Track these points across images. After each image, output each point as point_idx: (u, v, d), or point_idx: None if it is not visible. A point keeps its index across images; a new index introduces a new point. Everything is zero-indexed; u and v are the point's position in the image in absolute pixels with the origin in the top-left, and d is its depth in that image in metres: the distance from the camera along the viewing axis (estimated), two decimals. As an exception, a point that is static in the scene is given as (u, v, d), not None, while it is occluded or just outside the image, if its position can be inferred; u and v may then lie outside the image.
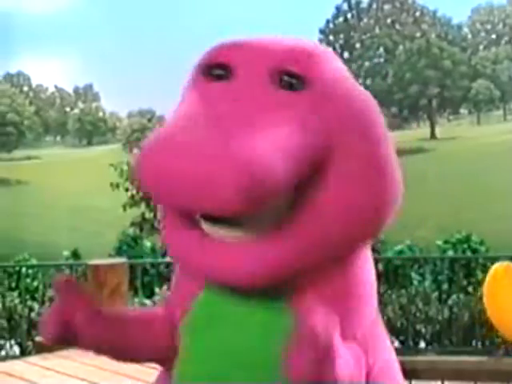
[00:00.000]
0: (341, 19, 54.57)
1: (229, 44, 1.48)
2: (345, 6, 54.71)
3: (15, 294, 8.50)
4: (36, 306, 7.92)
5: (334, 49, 55.41)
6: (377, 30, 53.28)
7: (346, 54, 54.71)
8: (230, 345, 1.47)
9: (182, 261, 1.51)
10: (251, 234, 1.38)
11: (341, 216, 1.41)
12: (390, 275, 8.37)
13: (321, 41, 56.03)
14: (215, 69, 1.45)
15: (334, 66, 1.51)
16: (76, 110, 59.78)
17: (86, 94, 62.81)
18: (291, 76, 1.41)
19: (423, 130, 47.95)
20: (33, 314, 7.65)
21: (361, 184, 1.41)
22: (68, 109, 61.04)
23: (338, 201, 1.40)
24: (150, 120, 52.58)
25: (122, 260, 4.93)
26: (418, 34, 50.82)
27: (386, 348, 1.63)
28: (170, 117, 1.43)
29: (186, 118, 1.35)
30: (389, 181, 1.46)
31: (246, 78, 1.41)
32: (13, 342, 7.48)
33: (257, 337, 1.46)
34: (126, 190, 17.21)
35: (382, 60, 52.64)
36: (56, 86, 62.66)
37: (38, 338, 4.56)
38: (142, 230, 16.79)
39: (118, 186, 17.18)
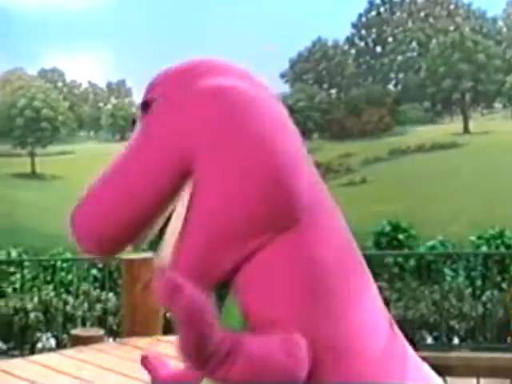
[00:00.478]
0: (373, 13, 54.13)
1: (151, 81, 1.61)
2: (377, 0, 54.28)
3: (51, 287, 8.62)
4: (71, 299, 8.02)
5: (367, 43, 55.05)
6: (410, 24, 52.76)
7: (378, 49, 54.31)
8: None
9: None
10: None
11: (221, 208, 1.42)
12: (423, 271, 8.33)
13: (353, 35, 55.69)
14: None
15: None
16: (109, 106, 60.23)
17: (118, 89, 63.23)
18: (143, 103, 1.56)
19: (456, 124, 47.41)
20: (68, 308, 7.76)
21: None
22: (101, 104, 61.52)
23: (213, 195, 1.42)
24: (182, 115, 52.81)
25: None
26: (452, 28, 50.22)
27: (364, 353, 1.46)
28: None
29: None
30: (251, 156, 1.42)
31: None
32: (49, 334, 7.59)
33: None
34: (159, 184, 17.38)
35: (414, 54, 52.13)
36: (89, 82, 63.20)
37: (73, 331, 4.64)
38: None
39: (150, 180, 17.36)
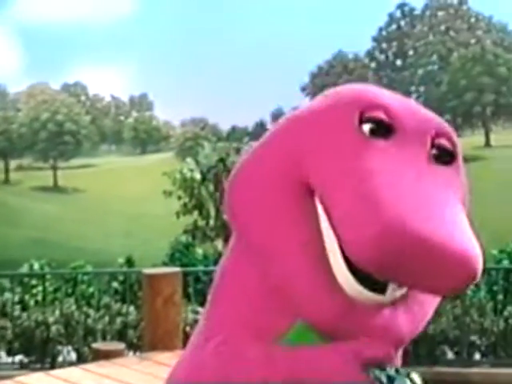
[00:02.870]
0: (394, 26, 54.12)
1: (390, 101, 1.45)
2: (398, 14, 54.26)
3: (72, 300, 8.66)
4: (92, 312, 8.05)
5: (387, 56, 55.00)
6: (430, 37, 52.66)
7: (398, 62, 54.25)
8: None
9: (291, 296, 1.43)
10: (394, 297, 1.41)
11: None
12: (444, 286, 8.26)
13: (373, 48, 55.69)
14: (376, 124, 1.41)
15: None
16: (130, 119, 60.63)
17: (140, 103, 63.66)
18: (445, 151, 1.45)
19: (477, 137, 47.15)
20: (89, 321, 7.79)
21: None
22: (123, 118, 61.95)
23: None
24: (202, 129, 52.99)
25: (176, 269, 4.99)
26: (473, 41, 50.05)
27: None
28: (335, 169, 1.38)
29: (401, 195, 1.32)
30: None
31: (412, 145, 1.41)
32: (70, 348, 7.63)
33: None
34: (179, 198, 17.39)
35: (435, 67, 51.98)
36: (112, 96, 63.70)
37: (94, 345, 4.66)
38: (194, 237, 16.92)
39: (170, 193, 17.39)
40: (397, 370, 1.37)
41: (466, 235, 1.33)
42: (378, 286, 1.36)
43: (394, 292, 1.38)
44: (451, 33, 52.03)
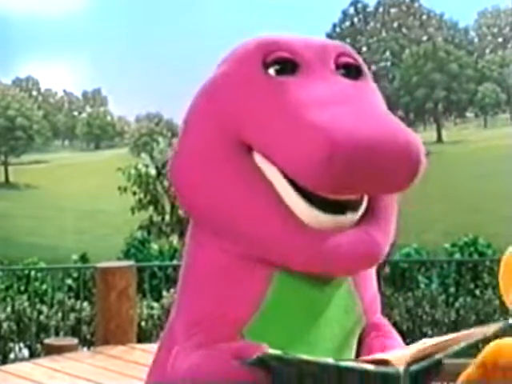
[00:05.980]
0: (347, 23, 54.53)
1: (287, 41, 1.54)
2: (351, 10, 54.69)
3: (24, 297, 8.54)
4: (45, 309, 7.95)
5: (341, 52, 55.43)
6: (383, 34, 53.21)
7: (353, 58, 54.72)
8: (311, 321, 1.49)
9: (262, 245, 1.45)
10: (355, 219, 1.45)
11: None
12: (397, 278, 8.39)
13: (328, 44, 56.05)
14: (279, 64, 1.50)
15: None
16: (84, 115, 59.91)
17: (94, 98, 62.95)
18: (351, 67, 1.56)
19: (429, 133, 47.84)
20: (42, 317, 7.70)
21: None
22: (76, 113, 61.18)
23: None
24: (157, 124, 52.64)
25: (130, 263, 4.96)
26: (425, 38, 50.73)
27: None
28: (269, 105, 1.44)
29: (337, 104, 1.40)
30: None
31: (319, 71, 1.50)
32: (22, 344, 7.53)
33: (335, 317, 1.51)
34: (134, 193, 17.27)
35: (388, 63, 52.57)
36: (65, 91, 62.84)
37: (46, 341, 4.61)
38: (149, 233, 16.83)
39: (125, 189, 17.25)
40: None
41: (403, 127, 1.40)
42: (337, 209, 1.41)
43: (354, 213, 1.44)
44: (403, 30, 52.63)
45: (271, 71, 1.48)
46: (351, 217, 1.45)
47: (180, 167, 1.54)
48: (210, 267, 1.51)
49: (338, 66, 1.53)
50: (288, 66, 1.49)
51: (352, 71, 1.55)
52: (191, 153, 1.52)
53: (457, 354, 1.42)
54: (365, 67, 1.59)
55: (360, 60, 1.59)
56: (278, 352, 1.32)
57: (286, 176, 1.42)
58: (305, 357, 1.30)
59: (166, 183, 17.50)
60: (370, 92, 1.53)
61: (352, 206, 1.44)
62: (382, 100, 1.55)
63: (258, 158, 1.45)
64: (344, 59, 1.56)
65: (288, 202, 1.43)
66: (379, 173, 1.34)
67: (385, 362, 1.31)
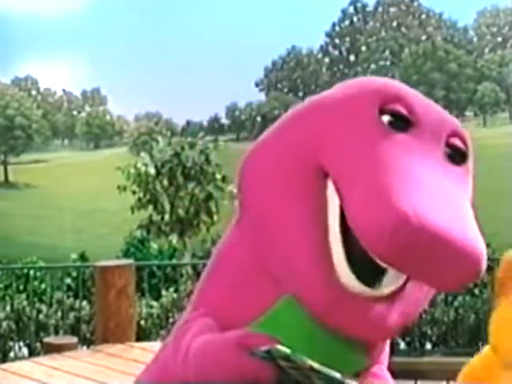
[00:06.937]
0: (347, 22, 54.58)
1: (410, 97, 1.50)
2: (351, 10, 54.73)
3: (23, 296, 8.55)
4: (44, 308, 7.96)
5: (340, 52, 55.42)
6: (383, 33, 53.25)
7: (351, 57, 54.70)
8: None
9: (289, 280, 1.45)
10: (385, 293, 1.44)
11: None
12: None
13: (327, 44, 56.05)
14: (395, 117, 1.45)
15: None
16: (83, 114, 59.93)
17: (93, 97, 62.96)
18: (458, 151, 1.50)
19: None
20: (41, 316, 7.71)
21: None
22: (75, 112, 61.19)
23: None
24: (156, 123, 52.68)
25: (129, 261, 4.96)
26: (424, 37, 50.78)
27: None
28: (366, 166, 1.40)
29: (420, 189, 1.36)
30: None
31: (428, 141, 1.45)
32: (21, 343, 7.54)
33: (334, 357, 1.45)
34: (133, 192, 17.28)
35: (387, 63, 52.60)
36: (64, 90, 62.84)
37: (46, 339, 4.61)
38: (149, 232, 16.83)
39: (125, 188, 17.26)
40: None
41: (476, 233, 1.37)
42: (370, 280, 1.39)
43: (384, 288, 1.41)
44: (403, 29, 52.67)
45: (385, 118, 1.44)
46: (380, 291, 1.44)
47: (256, 163, 1.52)
48: (237, 260, 1.54)
49: (447, 144, 1.49)
50: (401, 122, 1.44)
51: (458, 155, 1.50)
52: (270, 154, 1.50)
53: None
54: (471, 153, 1.55)
55: (469, 145, 1.55)
56: (287, 350, 1.31)
57: (341, 213, 1.40)
58: (315, 364, 1.29)
59: (165, 182, 17.51)
60: (465, 183, 1.50)
61: (389, 281, 1.43)
62: (471, 191, 1.53)
63: (331, 187, 1.42)
64: (456, 141, 1.51)
65: (333, 249, 1.41)
66: (434, 262, 1.33)
67: None
